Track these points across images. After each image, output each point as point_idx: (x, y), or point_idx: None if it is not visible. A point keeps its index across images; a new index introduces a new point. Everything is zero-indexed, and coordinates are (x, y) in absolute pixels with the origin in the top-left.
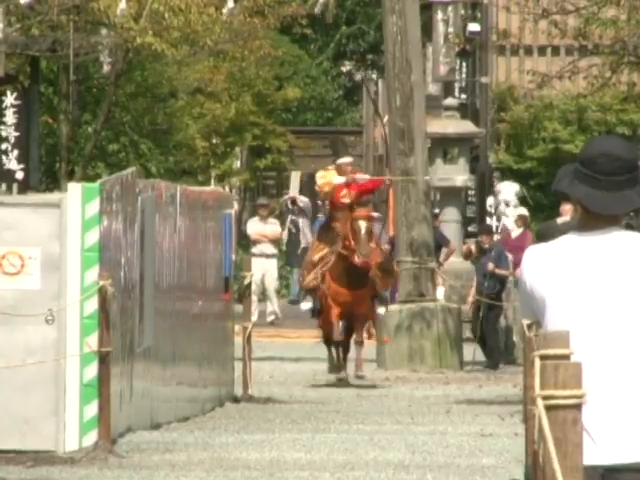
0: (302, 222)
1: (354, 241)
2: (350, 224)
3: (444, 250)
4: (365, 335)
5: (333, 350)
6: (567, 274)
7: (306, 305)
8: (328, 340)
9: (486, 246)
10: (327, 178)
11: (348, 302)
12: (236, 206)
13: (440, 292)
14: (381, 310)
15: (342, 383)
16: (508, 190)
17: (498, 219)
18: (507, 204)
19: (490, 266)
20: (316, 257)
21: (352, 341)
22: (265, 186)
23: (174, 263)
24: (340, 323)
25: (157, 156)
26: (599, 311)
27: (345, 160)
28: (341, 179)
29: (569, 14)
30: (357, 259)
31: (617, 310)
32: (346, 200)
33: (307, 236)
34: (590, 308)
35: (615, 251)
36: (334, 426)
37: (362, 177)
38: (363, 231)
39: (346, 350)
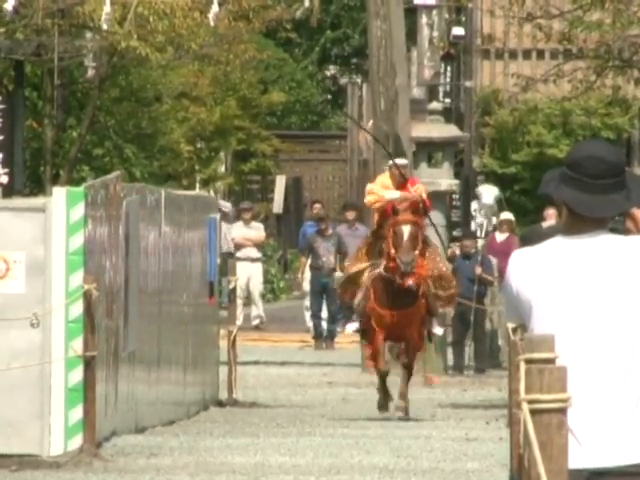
0: (225, 227)
1: (395, 248)
2: (392, 230)
3: None
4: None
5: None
6: (553, 277)
7: (352, 326)
8: (376, 370)
9: (472, 251)
10: (377, 193)
11: (393, 324)
12: (230, 206)
13: None
14: (438, 330)
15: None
16: (488, 193)
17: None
18: (489, 207)
19: (478, 270)
20: (355, 270)
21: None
22: (250, 190)
23: (159, 267)
24: (386, 349)
25: (142, 160)
26: (585, 315)
27: (401, 162)
28: (395, 195)
29: (554, 18)
30: (398, 275)
31: (603, 314)
32: (402, 208)
33: (228, 241)
34: (576, 312)
35: (602, 254)
36: (319, 430)
37: (416, 189)
38: (406, 237)
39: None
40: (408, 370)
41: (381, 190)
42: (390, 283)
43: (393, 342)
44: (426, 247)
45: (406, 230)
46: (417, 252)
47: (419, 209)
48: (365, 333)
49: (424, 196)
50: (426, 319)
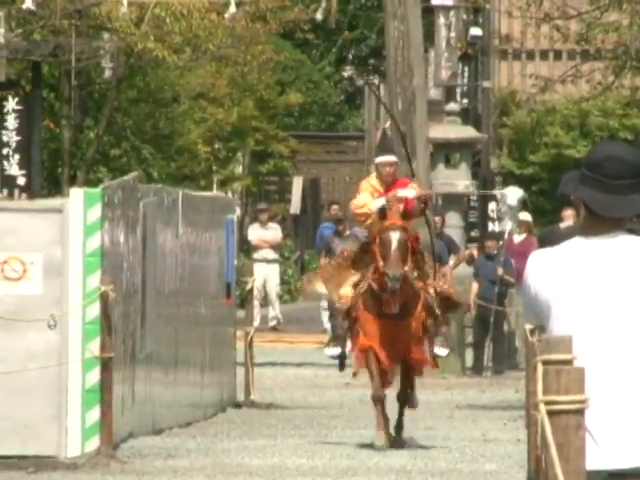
0: None
1: (382, 259)
2: (379, 237)
3: (452, 257)
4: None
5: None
6: (572, 278)
7: (332, 351)
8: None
9: (494, 252)
10: (364, 208)
11: (386, 337)
12: (238, 211)
13: None
14: (442, 352)
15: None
16: (512, 195)
17: (502, 224)
18: (511, 209)
19: (500, 271)
20: (345, 290)
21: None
22: (267, 191)
23: (176, 268)
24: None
25: (159, 161)
26: (604, 316)
27: (386, 159)
28: (381, 201)
29: (571, 18)
30: (386, 294)
31: (622, 315)
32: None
33: None
34: (595, 313)
35: (621, 255)
36: (336, 431)
37: (406, 192)
38: (394, 245)
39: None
40: (404, 405)
41: (367, 203)
42: (378, 295)
43: (390, 363)
44: (422, 258)
45: (394, 238)
46: (407, 265)
47: (412, 211)
48: (343, 367)
49: (411, 191)
50: (426, 336)
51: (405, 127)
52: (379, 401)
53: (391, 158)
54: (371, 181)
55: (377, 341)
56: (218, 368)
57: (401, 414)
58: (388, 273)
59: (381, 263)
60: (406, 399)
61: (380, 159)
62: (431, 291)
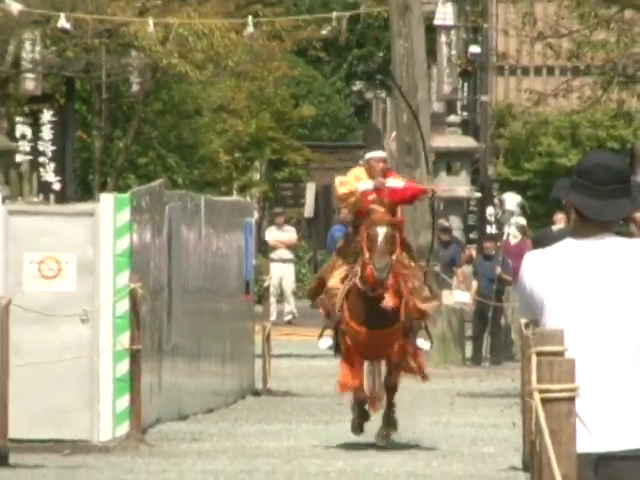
0: None
1: (369, 252)
2: (366, 231)
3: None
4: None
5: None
6: (564, 277)
7: (325, 342)
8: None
9: (492, 252)
10: (349, 185)
11: (371, 345)
12: (256, 215)
13: (466, 297)
14: (425, 345)
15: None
16: (510, 200)
17: (499, 227)
18: (511, 213)
19: (497, 270)
20: (333, 282)
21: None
22: (283, 196)
23: (199, 267)
24: (363, 373)
25: (183, 169)
26: (593, 311)
27: (377, 154)
28: (368, 184)
29: (563, 37)
30: (373, 286)
31: (610, 310)
32: (377, 207)
33: None
34: (585, 308)
35: (609, 256)
36: (347, 417)
37: (395, 182)
38: (380, 238)
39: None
40: (392, 392)
41: (353, 181)
42: (367, 298)
43: (372, 360)
44: (406, 253)
45: (381, 232)
46: (394, 257)
47: (397, 203)
48: (339, 350)
49: (401, 182)
50: (410, 336)
51: (410, 137)
52: (364, 402)
53: (381, 154)
54: (360, 174)
55: (362, 347)
56: (238, 359)
57: (391, 406)
58: (375, 264)
59: (367, 255)
60: (393, 388)
61: (371, 154)
62: (415, 285)
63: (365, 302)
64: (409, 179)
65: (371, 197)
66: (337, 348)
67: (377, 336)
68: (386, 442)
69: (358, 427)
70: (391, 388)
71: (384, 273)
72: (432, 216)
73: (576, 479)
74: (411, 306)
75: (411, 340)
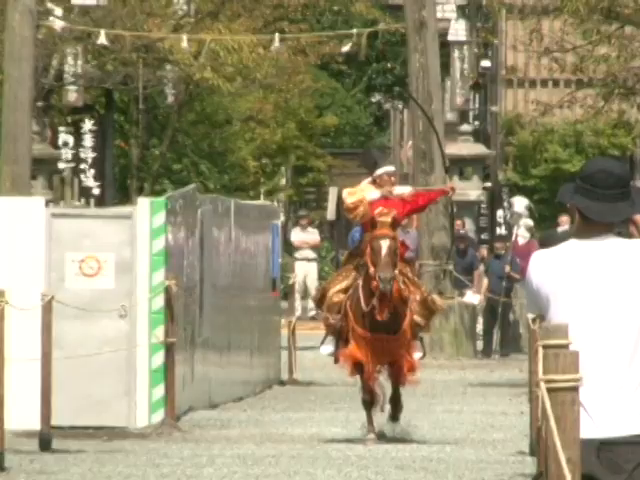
0: None
1: (372, 264)
2: (370, 244)
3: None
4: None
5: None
6: (569, 275)
7: (326, 349)
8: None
9: (502, 252)
10: (357, 195)
11: (375, 351)
12: (282, 217)
13: (475, 298)
14: (416, 355)
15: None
16: (519, 203)
17: (508, 228)
18: (520, 216)
19: (507, 269)
20: (333, 292)
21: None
22: (307, 200)
23: (229, 266)
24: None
25: (214, 174)
26: (596, 307)
27: (388, 169)
28: (376, 193)
29: (567, 52)
30: (374, 286)
31: (611, 306)
32: (386, 219)
33: None
34: (588, 304)
35: (610, 255)
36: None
37: (403, 189)
38: (384, 251)
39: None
40: (396, 399)
41: (360, 192)
42: (371, 307)
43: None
44: (408, 266)
45: (385, 245)
46: (397, 270)
47: (407, 213)
48: (341, 355)
49: (408, 188)
50: (411, 344)
51: (425, 145)
52: (369, 404)
53: (391, 168)
54: (369, 188)
55: (367, 356)
56: (265, 351)
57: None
58: (380, 275)
59: (372, 268)
60: (398, 396)
61: (381, 170)
62: (417, 298)
63: (370, 310)
64: (423, 187)
65: (378, 210)
66: (336, 359)
67: (383, 342)
68: (395, 420)
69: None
70: (396, 400)
71: (388, 285)
72: (451, 217)
73: (579, 463)
74: (414, 307)
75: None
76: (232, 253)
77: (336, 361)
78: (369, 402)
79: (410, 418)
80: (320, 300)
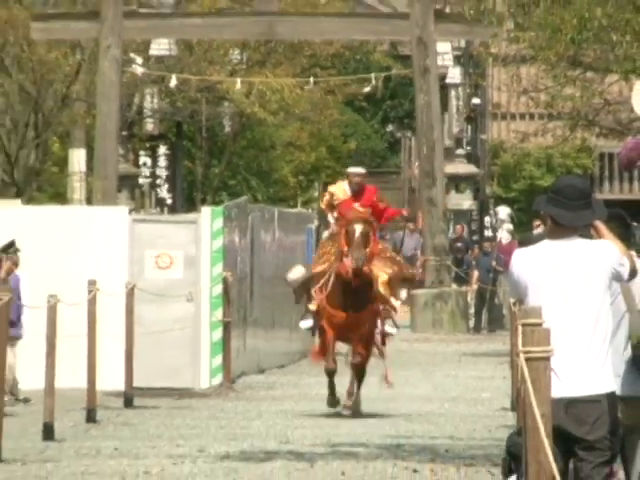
0: None
1: (347, 246)
2: (345, 229)
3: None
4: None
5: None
6: (543, 268)
7: (306, 323)
8: (325, 369)
9: (489, 250)
10: (326, 196)
11: (344, 325)
12: (316, 222)
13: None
14: (392, 330)
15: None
16: (502, 212)
17: (493, 231)
18: (503, 221)
19: (493, 263)
20: (317, 270)
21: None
22: None
23: (273, 260)
24: (334, 349)
25: (262, 188)
26: (564, 293)
27: (356, 170)
28: (345, 186)
29: (541, 92)
30: (348, 264)
31: (576, 293)
32: (362, 209)
33: None
34: (558, 291)
35: (575, 253)
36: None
37: (357, 170)
38: (357, 233)
39: (358, 379)
40: (358, 372)
41: (330, 195)
42: (343, 283)
43: (343, 342)
44: (379, 246)
45: (358, 229)
46: (368, 249)
47: (388, 216)
48: (318, 330)
49: (380, 205)
50: (377, 322)
51: (428, 165)
52: (333, 373)
53: (360, 170)
54: (343, 186)
55: (334, 329)
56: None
57: (355, 384)
58: (352, 253)
59: (346, 248)
60: (359, 368)
61: (351, 169)
62: (385, 275)
63: (342, 288)
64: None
65: (355, 205)
66: (315, 329)
67: (349, 318)
68: (350, 412)
69: (333, 403)
70: (357, 367)
71: (360, 262)
72: (446, 222)
73: (551, 417)
74: (380, 296)
75: (381, 325)
76: (276, 250)
77: (313, 333)
78: (331, 370)
79: (414, 381)
80: (303, 285)
